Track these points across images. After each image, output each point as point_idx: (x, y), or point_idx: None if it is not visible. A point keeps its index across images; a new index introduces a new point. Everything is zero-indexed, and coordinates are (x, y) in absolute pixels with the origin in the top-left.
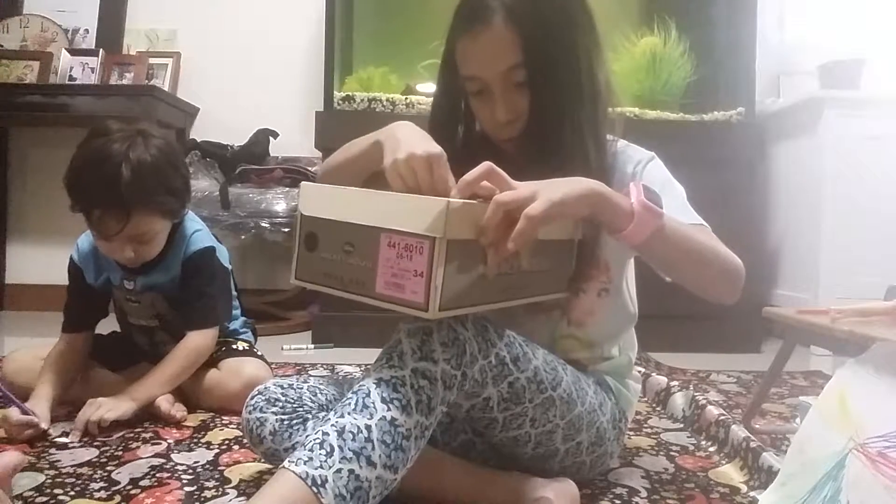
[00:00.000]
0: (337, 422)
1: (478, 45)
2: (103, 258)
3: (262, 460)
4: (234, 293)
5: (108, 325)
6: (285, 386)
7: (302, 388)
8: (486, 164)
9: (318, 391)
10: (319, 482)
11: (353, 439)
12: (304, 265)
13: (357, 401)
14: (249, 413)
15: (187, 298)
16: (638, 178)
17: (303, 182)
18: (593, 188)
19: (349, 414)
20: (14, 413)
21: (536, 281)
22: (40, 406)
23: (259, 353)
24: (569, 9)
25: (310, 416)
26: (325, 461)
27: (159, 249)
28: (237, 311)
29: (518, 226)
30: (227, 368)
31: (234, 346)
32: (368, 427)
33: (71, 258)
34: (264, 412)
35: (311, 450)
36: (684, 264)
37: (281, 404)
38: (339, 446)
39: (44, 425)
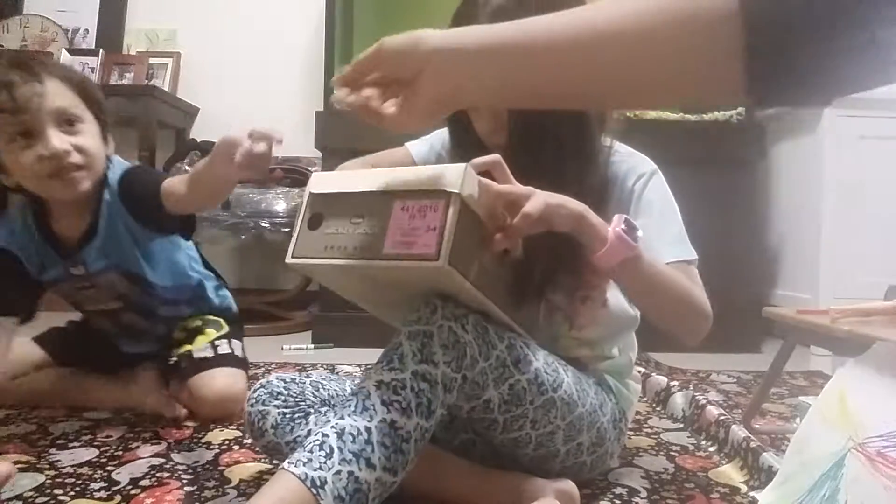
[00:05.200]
0: (337, 423)
1: None
2: (37, 247)
3: (263, 457)
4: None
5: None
6: (288, 380)
7: (304, 383)
8: (496, 156)
9: (320, 386)
10: (319, 484)
11: (353, 441)
12: (302, 244)
13: (357, 403)
14: (252, 406)
15: (139, 200)
16: (637, 195)
17: (314, 172)
18: (581, 211)
19: (349, 416)
20: None
21: (502, 295)
22: None
23: (233, 344)
24: None
25: (312, 411)
26: (325, 463)
27: (96, 155)
28: (211, 279)
29: (515, 220)
30: (197, 387)
31: (201, 355)
32: (368, 429)
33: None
34: (267, 405)
35: (310, 451)
36: (652, 300)
37: (283, 398)
38: (339, 448)
39: None
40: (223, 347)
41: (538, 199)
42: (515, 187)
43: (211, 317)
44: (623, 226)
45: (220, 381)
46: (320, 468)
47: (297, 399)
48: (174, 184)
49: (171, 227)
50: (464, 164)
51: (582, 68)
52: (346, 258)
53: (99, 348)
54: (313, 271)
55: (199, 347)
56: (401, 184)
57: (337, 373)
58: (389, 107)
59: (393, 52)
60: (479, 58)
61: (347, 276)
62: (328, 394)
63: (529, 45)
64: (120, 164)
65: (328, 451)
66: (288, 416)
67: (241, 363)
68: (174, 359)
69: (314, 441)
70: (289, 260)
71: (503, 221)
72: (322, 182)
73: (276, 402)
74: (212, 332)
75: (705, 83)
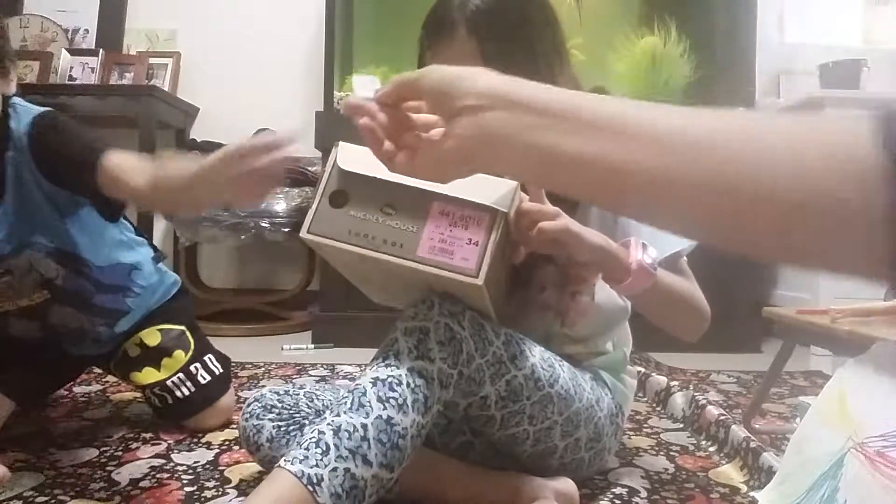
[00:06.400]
0: (333, 421)
1: (443, 58)
2: None
3: None
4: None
5: None
6: (281, 392)
7: (298, 395)
8: None
9: (314, 397)
10: (315, 481)
11: (349, 438)
12: (322, 220)
13: (353, 400)
14: (246, 420)
15: (58, 161)
16: None
17: (341, 142)
18: (604, 245)
19: (345, 413)
20: None
21: (499, 298)
22: None
23: (209, 363)
24: (529, 17)
25: (306, 423)
26: (321, 460)
27: None
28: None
29: (532, 233)
30: (195, 423)
31: (184, 393)
32: (364, 426)
33: None
34: (261, 419)
35: (306, 448)
36: (663, 312)
37: (277, 411)
38: (335, 445)
39: None
40: (201, 374)
41: (560, 222)
42: (543, 206)
43: (167, 326)
44: (642, 253)
45: (217, 420)
46: (316, 465)
47: (291, 412)
48: (127, 172)
49: (97, 201)
50: (514, 183)
51: (669, 180)
52: (373, 249)
53: (34, 358)
54: (327, 250)
55: (174, 380)
56: (444, 187)
57: (336, 373)
58: (404, 149)
59: (435, 83)
60: (531, 116)
61: (364, 263)
62: (322, 404)
63: (603, 126)
64: (27, 111)
65: (324, 448)
66: (283, 429)
67: (224, 381)
68: (145, 389)
69: (310, 439)
70: (304, 235)
71: (525, 237)
72: (351, 158)
73: (271, 416)
74: (180, 355)
75: (836, 251)
